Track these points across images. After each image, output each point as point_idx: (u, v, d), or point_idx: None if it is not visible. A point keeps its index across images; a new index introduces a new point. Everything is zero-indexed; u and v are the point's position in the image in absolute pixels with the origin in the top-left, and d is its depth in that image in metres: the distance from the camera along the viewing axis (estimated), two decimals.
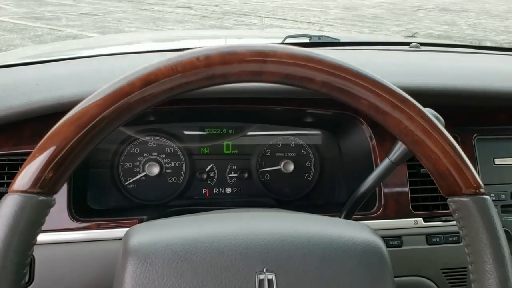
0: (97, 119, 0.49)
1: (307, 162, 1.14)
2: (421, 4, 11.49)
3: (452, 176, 0.53)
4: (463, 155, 0.53)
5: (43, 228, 0.49)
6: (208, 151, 1.12)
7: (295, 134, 1.14)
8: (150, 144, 1.09)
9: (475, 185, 0.53)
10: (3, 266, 0.45)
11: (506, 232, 0.99)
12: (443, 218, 0.98)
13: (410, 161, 0.97)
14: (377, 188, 0.96)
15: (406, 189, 0.98)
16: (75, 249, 0.86)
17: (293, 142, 1.15)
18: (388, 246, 0.81)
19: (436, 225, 0.98)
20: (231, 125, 1.13)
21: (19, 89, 0.91)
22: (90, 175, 1.04)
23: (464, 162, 0.53)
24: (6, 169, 0.89)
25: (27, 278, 0.81)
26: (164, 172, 1.10)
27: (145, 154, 1.09)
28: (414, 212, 0.98)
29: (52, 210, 0.50)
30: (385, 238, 0.92)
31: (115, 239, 0.86)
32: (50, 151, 0.48)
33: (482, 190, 0.53)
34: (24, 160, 0.57)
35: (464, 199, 0.53)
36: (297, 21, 8.99)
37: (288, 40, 1.40)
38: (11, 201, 0.47)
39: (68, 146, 0.48)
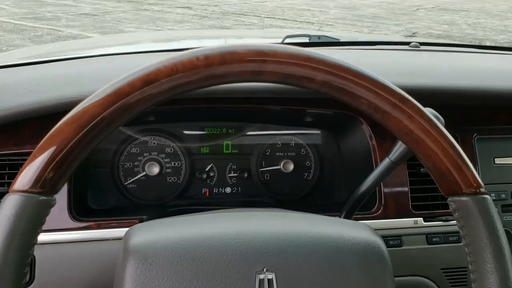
0: (97, 119, 0.49)
1: (307, 162, 1.14)
2: (420, 3, 11.48)
3: (452, 176, 0.53)
4: (463, 155, 0.53)
5: (44, 228, 0.49)
6: (208, 151, 1.12)
7: (295, 133, 1.14)
8: (150, 144, 1.09)
9: (475, 185, 0.53)
10: (4, 265, 0.45)
11: (507, 232, 0.99)
12: (443, 218, 0.98)
13: (410, 161, 0.97)
14: (377, 188, 0.96)
15: (406, 189, 0.98)
16: (76, 249, 0.87)
17: (293, 142, 1.14)
18: (388, 246, 0.81)
19: (436, 225, 0.98)
20: (231, 125, 1.12)
21: (19, 89, 0.91)
22: (90, 175, 1.05)
23: (464, 161, 0.53)
24: (7, 169, 0.89)
25: (27, 278, 0.82)
26: (164, 172, 1.10)
27: (145, 154, 1.09)
28: (414, 211, 0.97)
29: (52, 210, 0.50)
30: (385, 238, 0.92)
31: (115, 239, 0.86)
32: (50, 151, 0.48)
33: (482, 190, 0.53)
34: (25, 160, 0.57)
35: (464, 198, 0.53)
36: (297, 21, 8.99)
37: (287, 40, 1.40)
38: (12, 201, 0.47)
39: (69, 146, 0.48)
